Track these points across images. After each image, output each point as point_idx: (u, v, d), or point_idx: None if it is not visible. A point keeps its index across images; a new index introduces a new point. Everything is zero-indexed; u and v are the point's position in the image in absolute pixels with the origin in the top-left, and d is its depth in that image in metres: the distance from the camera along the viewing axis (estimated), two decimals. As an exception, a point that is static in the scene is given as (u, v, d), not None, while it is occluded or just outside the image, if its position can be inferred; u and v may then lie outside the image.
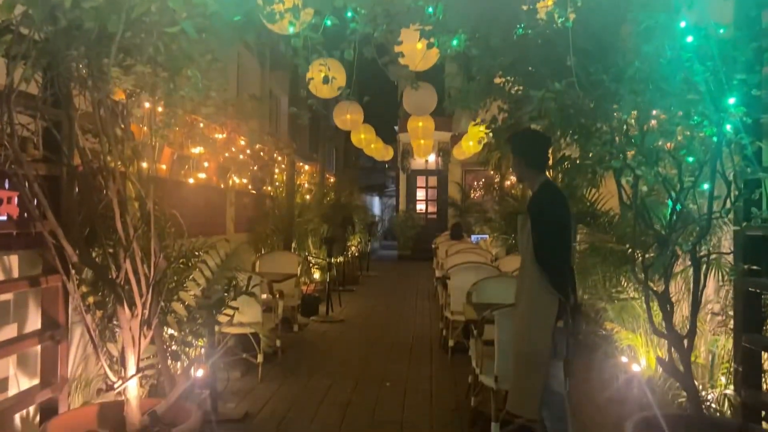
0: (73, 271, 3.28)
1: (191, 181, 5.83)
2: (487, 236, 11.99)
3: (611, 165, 3.11)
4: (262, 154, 7.35)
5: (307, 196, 10.18)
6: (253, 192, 8.18)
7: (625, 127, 3.17)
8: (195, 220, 6.08)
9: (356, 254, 14.16)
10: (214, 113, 4.26)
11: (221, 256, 4.00)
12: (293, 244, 8.71)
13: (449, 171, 19.97)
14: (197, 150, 5.76)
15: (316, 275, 10.12)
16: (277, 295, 6.35)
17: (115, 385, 3.17)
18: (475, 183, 20.60)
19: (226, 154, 6.46)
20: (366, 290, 12.17)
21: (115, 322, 3.72)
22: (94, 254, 3.59)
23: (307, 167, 11.66)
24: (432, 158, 19.55)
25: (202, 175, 6.14)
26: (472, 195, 20.36)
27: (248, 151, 6.98)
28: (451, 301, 6.60)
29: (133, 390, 3.20)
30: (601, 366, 5.13)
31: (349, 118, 9.34)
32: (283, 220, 8.37)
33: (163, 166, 5.23)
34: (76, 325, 3.83)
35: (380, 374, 6.08)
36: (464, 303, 5.19)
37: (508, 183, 15.23)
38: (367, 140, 11.44)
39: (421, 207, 20.65)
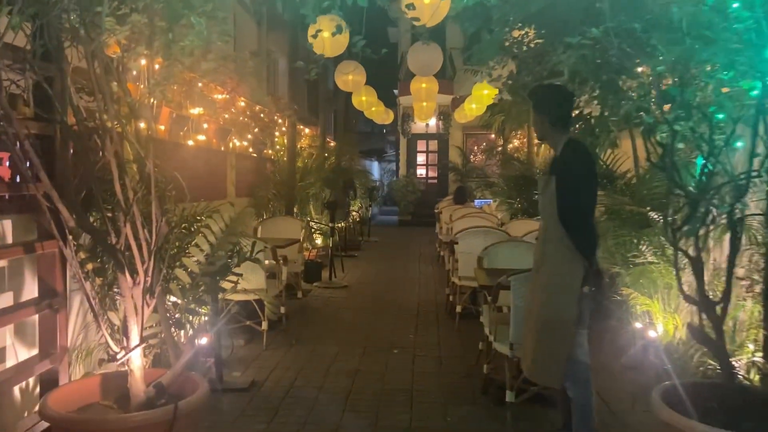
0: (70, 237, 3.09)
1: (190, 143, 5.60)
2: (491, 201, 11.81)
3: (644, 121, 2.91)
4: (262, 115, 7.09)
5: (308, 160, 9.95)
6: (254, 155, 7.95)
7: (657, 80, 2.96)
8: (195, 184, 5.88)
9: (357, 219, 13.98)
10: (215, 69, 4.03)
11: (225, 221, 3.81)
12: (295, 209, 8.52)
13: (450, 135, 19.69)
14: (196, 110, 5.52)
15: (318, 241, 9.96)
16: (281, 261, 6.20)
17: (118, 356, 3.02)
18: (476, 147, 20.35)
19: (226, 116, 6.21)
20: (368, 256, 12.03)
21: (116, 290, 3.55)
22: (92, 219, 3.40)
23: (307, 131, 11.39)
24: (432, 122, 19.25)
25: (201, 137, 5.91)
26: (472, 159, 20.13)
27: (248, 113, 6.74)
28: (459, 267, 6.44)
29: (136, 360, 3.05)
30: (617, 332, 5.01)
31: (351, 78, 9.06)
32: (284, 184, 8.16)
33: (162, 127, 5.00)
34: (75, 293, 3.66)
35: (387, 341, 5.96)
36: (475, 269, 5.04)
37: (510, 146, 14.99)
38: (368, 102, 11.16)
39: (421, 172, 20.42)
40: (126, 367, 3.07)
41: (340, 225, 10.05)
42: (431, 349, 5.70)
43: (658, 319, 4.55)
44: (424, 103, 12.28)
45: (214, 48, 3.62)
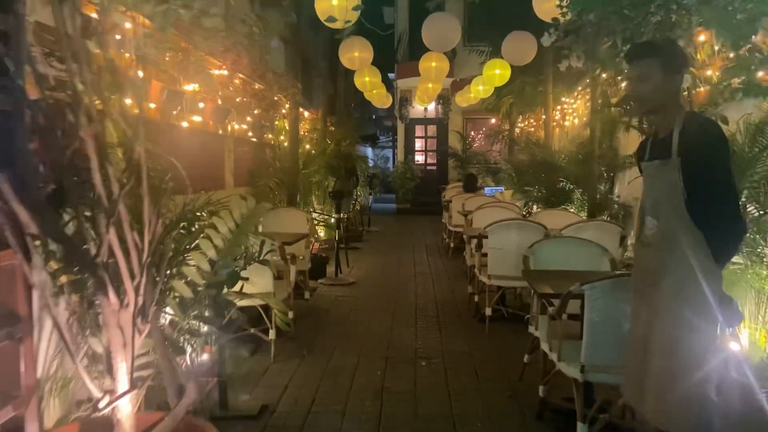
0: (34, 244, 2.33)
1: (185, 124, 4.81)
2: (503, 189, 11.10)
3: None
4: (264, 95, 6.31)
5: (307, 146, 9.17)
6: (254, 140, 7.16)
7: None
8: (191, 173, 5.11)
9: (357, 209, 13.24)
10: (214, 37, 3.26)
11: (235, 219, 3.06)
12: (298, 199, 7.76)
13: (450, 119, 18.92)
14: (191, 87, 4.74)
15: (321, 233, 9.21)
16: (289, 260, 5.46)
17: (101, 404, 2.28)
18: (473, 132, 19.59)
19: (222, 93, 5.42)
20: (371, 247, 11.30)
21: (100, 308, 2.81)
22: (63, 221, 2.63)
23: (306, 114, 10.59)
24: (431, 107, 18.46)
25: (197, 118, 5.12)
26: (473, 144, 19.41)
27: (248, 90, 5.96)
28: (488, 264, 5.73)
29: (125, 407, 2.31)
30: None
31: (357, 56, 8.28)
32: (286, 172, 7.39)
33: (153, 105, 4.22)
34: (47, 311, 2.90)
35: (411, 348, 5.26)
36: (524, 270, 4.32)
37: (517, 131, 14.26)
38: (371, 83, 10.37)
39: (419, 158, 19.65)
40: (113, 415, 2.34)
41: (344, 216, 9.28)
42: (463, 360, 5.00)
43: (744, 330, 3.86)
44: (430, 85, 11.52)
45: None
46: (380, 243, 11.95)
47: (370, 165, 18.99)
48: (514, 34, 8.16)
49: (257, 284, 4.90)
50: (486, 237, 5.71)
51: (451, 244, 10.23)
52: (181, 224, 3.15)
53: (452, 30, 7.11)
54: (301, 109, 10.28)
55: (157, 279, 2.58)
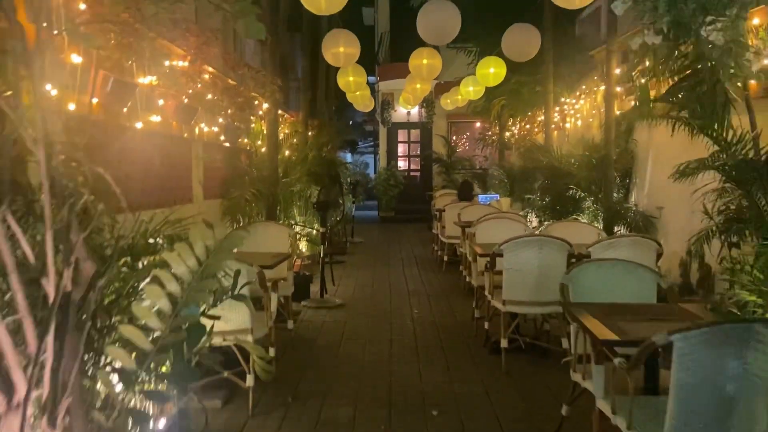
0: None
1: (139, 125, 3.90)
2: (498, 196, 10.32)
3: None
4: (238, 92, 5.43)
5: (287, 151, 8.29)
6: (227, 145, 6.25)
7: None
8: (147, 185, 4.22)
9: (339, 219, 12.36)
10: (168, 9, 2.42)
11: (197, 255, 2.18)
12: (278, 211, 6.87)
13: (433, 123, 18.14)
14: (147, 80, 3.85)
15: (303, 247, 8.32)
16: (270, 287, 4.58)
17: None
18: (455, 137, 18.82)
19: (186, 89, 4.53)
20: (357, 261, 10.43)
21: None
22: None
23: (286, 116, 9.70)
24: (414, 110, 17.68)
25: (155, 118, 4.21)
26: (459, 149, 18.66)
27: (219, 85, 5.08)
28: (504, 287, 4.91)
29: None
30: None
31: (342, 51, 7.42)
32: (265, 181, 6.49)
33: (95, 100, 3.32)
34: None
35: (416, 393, 4.41)
36: (562, 303, 3.49)
37: (508, 134, 13.53)
38: (356, 83, 9.53)
39: (402, 163, 18.85)
40: None
41: (330, 228, 8.38)
42: (482, 406, 4.16)
43: None
44: (419, 85, 10.71)
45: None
46: (366, 255, 11.09)
47: (353, 171, 18.09)
48: (516, 26, 7.40)
49: (231, 320, 4.04)
50: (500, 255, 4.89)
51: (445, 257, 9.42)
52: (123, 261, 2.26)
53: (452, 19, 6.30)
54: (280, 112, 9.40)
55: (79, 344, 1.71)
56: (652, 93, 4.83)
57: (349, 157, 27.34)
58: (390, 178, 17.33)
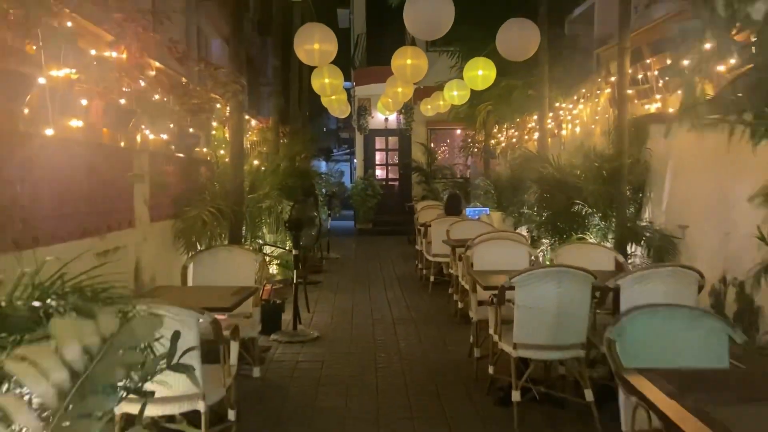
0: None
1: (50, 132, 2.94)
2: (488, 210, 9.50)
3: None
4: (190, 91, 4.50)
5: (256, 161, 7.35)
6: (180, 156, 5.26)
7: None
8: (67, 209, 3.25)
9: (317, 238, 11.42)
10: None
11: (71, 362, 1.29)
12: (243, 232, 5.92)
13: (412, 130, 17.32)
14: (63, 72, 2.92)
15: (274, 269, 7.38)
16: (229, 334, 3.67)
17: None
18: (433, 144, 18.01)
19: (126, 89, 3.57)
20: (334, 281, 9.51)
21: None
22: None
23: (254, 123, 8.74)
24: (393, 116, 16.84)
25: (76, 123, 3.25)
26: (439, 157, 17.88)
27: (167, 83, 4.15)
28: (515, 327, 4.05)
29: None
30: None
31: (317, 48, 6.54)
32: (228, 197, 5.53)
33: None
34: None
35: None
36: (615, 371, 2.63)
37: (493, 142, 12.74)
38: (332, 86, 8.62)
39: (379, 172, 17.97)
40: None
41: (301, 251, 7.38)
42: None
43: None
44: (400, 89, 9.85)
45: None
46: (344, 274, 10.17)
47: (329, 182, 17.15)
48: (513, 21, 6.59)
49: (175, 384, 3.13)
50: (511, 289, 4.04)
51: (431, 278, 8.55)
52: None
53: (445, 8, 5.46)
54: (247, 117, 8.45)
55: None
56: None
57: (323, 165, 26.41)
58: (367, 188, 16.43)
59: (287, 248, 7.10)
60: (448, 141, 18.41)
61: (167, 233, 4.93)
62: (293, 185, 7.82)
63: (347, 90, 16.86)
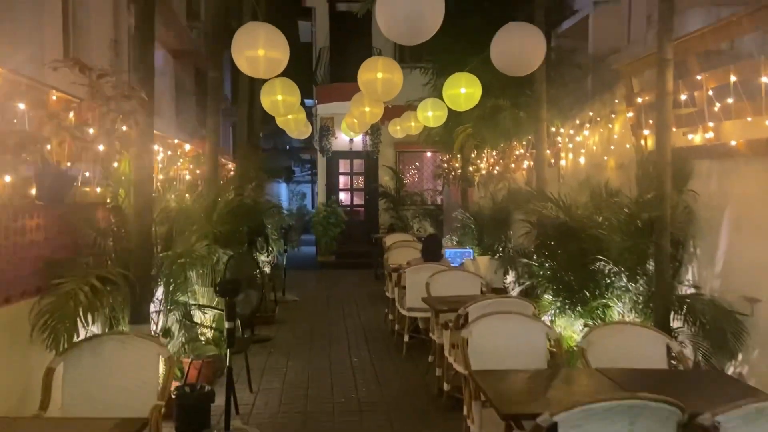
0: None
1: None
2: (472, 252, 8.04)
3: None
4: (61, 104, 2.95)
5: (186, 196, 5.76)
6: (52, 203, 3.64)
7: None
8: None
9: (268, 273, 9.83)
10: None
11: None
12: (154, 303, 4.29)
13: (380, 153, 15.88)
14: None
15: (204, 336, 5.74)
16: None
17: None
18: (402, 166, 16.60)
19: None
20: (288, 337, 7.91)
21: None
22: None
23: (188, 147, 7.12)
24: (358, 138, 15.38)
25: None
26: (406, 181, 16.46)
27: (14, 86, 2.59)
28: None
29: None
30: None
31: (262, 54, 5.02)
32: (132, 254, 3.93)
33: None
34: None
35: None
36: None
37: (471, 168, 11.35)
38: (286, 104, 7.09)
39: (343, 196, 16.44)
40: None
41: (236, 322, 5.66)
42: None
43: None
44: (367, 108, 8.38)
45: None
46: (300, 326, 8.56)
47: (285, 210, 15.52)
48: (513, 26, 5.17)
49: None
50: (554, 429, 2.54)
51: (405, 337, 7.02)
52: None
53: (431, 7, 4.01)
54: (176, 140, 6.83)
55: None
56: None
57: (284, 187, 24.76)
58: (330, 216, 14.88)
59: (219, 311, 5.50)
60: (418, 164, 17.03)
61: (21, 322, 3.30)
62: (235, 227, 6.23)
63: (308, 109, 15.37)
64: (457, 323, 4.80)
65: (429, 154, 16.31)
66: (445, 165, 12.52)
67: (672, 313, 4.40)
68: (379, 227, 15.69)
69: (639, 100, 5.16)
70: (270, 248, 9.06)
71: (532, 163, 8.26)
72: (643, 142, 5.20)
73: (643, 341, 3.81)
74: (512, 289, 7.65)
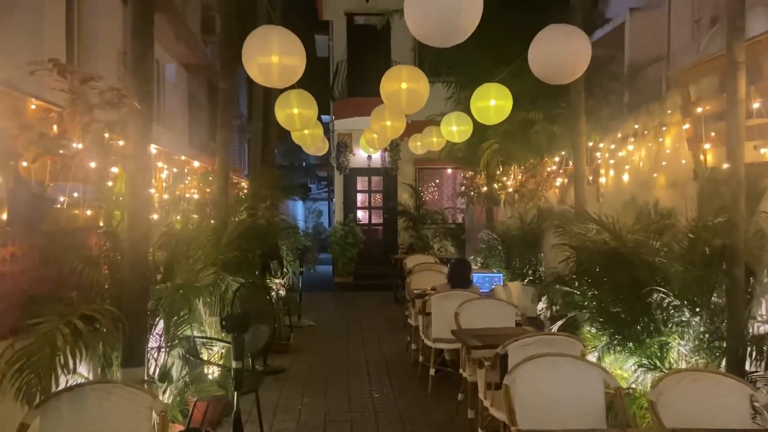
0: None
1: None
2: (502, 277, 7.44)
3: None
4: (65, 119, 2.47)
5: (194, 216, 5.26)
6: (31, 229, 3.15)
7: None
8: None
9: (282, 296, 9.32)
10: None
11: None
12: (150, 343, 3.75)
13: (399, 170, 15.37)
14: None
15: (211, 373, 5.20)
16: None
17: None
18: (422, 184, 16.03)
19: None
20: (304, 368, 7.35)
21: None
22: None
23: (197, 164, 6.63)
24: (376, 154, 14.90)
25: None
26: (425, 198, 15.90)
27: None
28: None
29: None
30: None
31: (277, 62, 4.54)
32: (125, 286, 3.42)
33: None
34: None
35: None
36: None
37: (496, 186, 10.76)
38: (302, 118, 6.61)
39: (361, 214, 15.90)
40: None
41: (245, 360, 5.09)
42: None
43: None
44: (389, 123, 7.86)
45: None
46: (317, 356, 8.00)
47: (301, 228, 15.02)
48: (555, 29, 4.64)
49: None
50: None
51: (431, 370, 6.43)
52: None
53: (470, 6, 3.50)
54: (183, 157, 6.34)
55: None
56: None
57: (300, 206, 24.33)
58: (347, 236, 14.34)
59: (224, 354, 4.96)
60: (438, 182, 16.48)
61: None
62: (247, 251, 5.71)
63: (325, 125, 14.91)
64: (495, 363, 4.23)
65: (450, 170, 15.79)
66: (468, 182, 11.95)
67: (750, 356, 3.79)
68: (399, 247, 15.14)
69: (698, 110, 4.58)
70: (285, 270, 8.53)
71: (565, 180, 7.69)
72: (702, 157, 4.61)
73: (723, 392, 3.21)
74: (543, 316, 7.05)
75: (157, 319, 3.97)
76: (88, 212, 3.62)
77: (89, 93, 2.95)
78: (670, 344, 4.26)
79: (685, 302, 4.17)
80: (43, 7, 6.29)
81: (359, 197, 15.92)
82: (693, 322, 4.20)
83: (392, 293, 12.39)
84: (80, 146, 3.24)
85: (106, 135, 3.13)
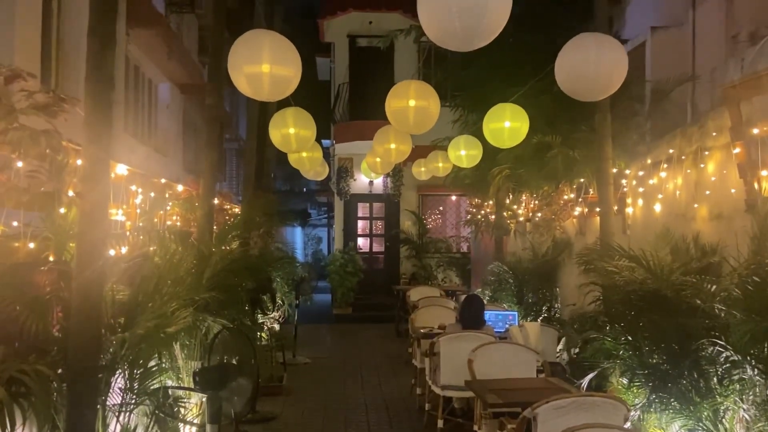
0: None
1: None
2: (517, 316, 6.77)
3: None
4: None
5: (174, 247, 4.62)
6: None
7: None
8: None
9: (275, 331, 8.65)
10: None
11: None
12: (113, 395, 3.10)
13: (401, 196, 14.76)
14: None
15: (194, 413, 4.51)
16: None
17: None
18: (425, 211, 15.41)
19: None
20: (297, 414, 6.64)
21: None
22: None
23: (180, 188, 5.99)
24: (378, 180, 14.34)
25: None
26: (429, 226, 15.26)
27: None
28: None
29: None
30: None
31: (267, 71, 3.96)
32: (71, 338, 2.75)
33: None
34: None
35: None
36: None
37: (506, 214, 10.13)
38: (299, 139, 6.02)
39: (362, 241, 15.25)
40: None
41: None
42: None
43: None
44: (393, 145, 7.26)
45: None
46: (312, 399, 7.27)
47: (300, 257, 14.34)
48: (586, 37, 4.07)
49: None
50: None
51: (439, 420, 5.73)
52: None
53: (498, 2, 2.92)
54: (163, 180, 5.71)
55: None
56: None
57: (299, 232, 23.69)
58: (347, 264, 13.68)
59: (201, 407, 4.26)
60: (442, 209, 15.88)
61: None
62: (233, 286, 5.06)
63: (326, 149, 14.33)
64: (521, 428, 3.55)
65: (454, 197, 15.22)
66: (475, 210, 11.34)
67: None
68: (401, 276, 14.49)
69: (754, 131, 3.97)
70: (279, 304, 7.86)
71: (585, 209, 7.06)
72: (757, 185, 4.00)
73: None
74: (560, 358, 6.37)
75: (117, 373, 3.30)
76: (31, 245, 2.98)
77: (14, 95, 2.36)
78: (732, 408, 3.58)
79: (748, 357, 3.50)
80: (14, 18, 5.74)
81: (360, 224, 15.29)
82: (757, 382, 3.53)
83: (394, 326, 11.70)
84: (21, 164, 2.61)
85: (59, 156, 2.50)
